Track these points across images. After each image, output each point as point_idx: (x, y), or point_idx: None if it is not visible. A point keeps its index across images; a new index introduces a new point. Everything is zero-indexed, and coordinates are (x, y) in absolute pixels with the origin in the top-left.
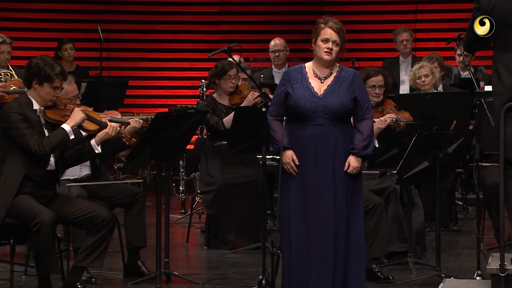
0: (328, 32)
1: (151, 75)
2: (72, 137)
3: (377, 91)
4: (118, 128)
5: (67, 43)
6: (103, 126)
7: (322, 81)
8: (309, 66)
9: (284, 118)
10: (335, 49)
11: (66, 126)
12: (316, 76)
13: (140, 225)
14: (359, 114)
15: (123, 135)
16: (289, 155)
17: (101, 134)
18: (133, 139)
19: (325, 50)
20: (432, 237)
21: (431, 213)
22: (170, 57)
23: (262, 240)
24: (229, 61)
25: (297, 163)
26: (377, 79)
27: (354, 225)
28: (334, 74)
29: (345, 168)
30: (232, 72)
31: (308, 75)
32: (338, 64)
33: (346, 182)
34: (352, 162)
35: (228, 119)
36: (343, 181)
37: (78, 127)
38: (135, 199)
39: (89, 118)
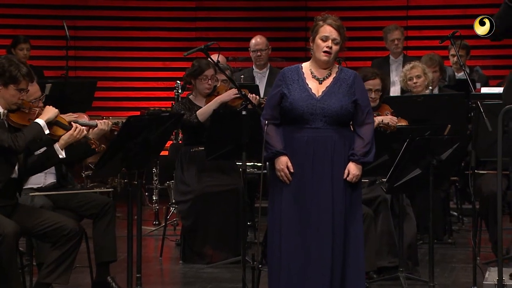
0: (327, 30)
1: (122, 76)
2: (47, 131)
3: (373, 95)
4: (85, 131)
5: (23, 42)
6: (68, 130)
7: (320, 82)
8: (306, 66)
9: (266, 122)
10: (335, 48)
11: (40, 121)
12: (314, 77)
13: (110, 238)
14: (359, 118)
15: (91, 140)
16: (284, 161)
17: (65, 136)
18: (102, 145)
19: (324, 49)
20: (425, 250)
21: (424, 224)
22: (142, 56)
23: (242, 253)
24: (207, 60)
25: (292, 170)
26: (374, 83)
27: (353, 236)
28: (333, 75)
29: (345, 176)
30: (209, 72)
31: (305, 76)
32: (337, 65)
33: (344, 190)
34: (352, 169)
35: (202, 111)
36: (341, 189)
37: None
38: (105, 210)
39: (56, 122)
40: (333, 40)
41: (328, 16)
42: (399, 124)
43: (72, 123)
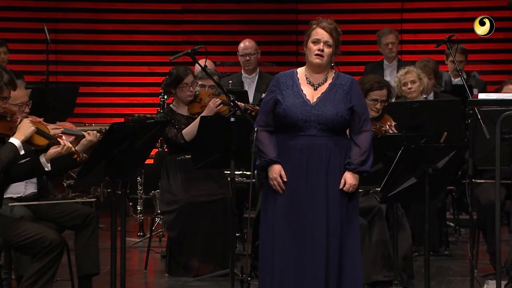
0: (319, 32)
1: (105, 81)
2: (22, 152)
3: (378, 106)
4: (73, 148)
5: (0, 45)
6: (52, 140)
7: (316, 88)
8: (301, 71)
9: (256, 128)
10: (327, 50)
11: (15, 141)
12: (309, 82)
13: (93, 250)
14: (356, 126)
15: (75, 152)
16: (277, 170)
17: (51, 151)
18: (84, 155)
19: (316, 52)
20: (421, 263)
21: (419, 235)
22: (126, 60)
23: (230, 266)
24: (185, 66)
25: (285, 179)
26: (381, 94)
27: (349, 248)
28: (329, 81)
29: (341, 186)
30: (189, 79)
31: (300, 81)
32: (334, 70)
33: (340, 200)
34: (349, 179)
35: (188, 131)
36: (337, 199)
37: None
38: (87, 221)
39: (38, 131)
40: (324, 42)
41: (322, 19)
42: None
43: (59, 137)
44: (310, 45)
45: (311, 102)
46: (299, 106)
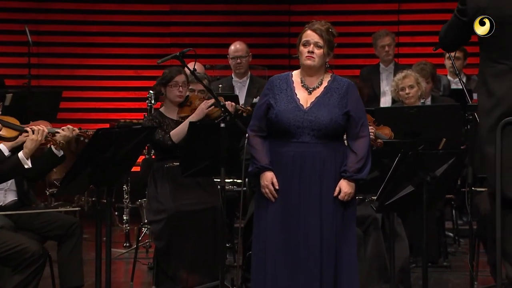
0: (309, 34)
1: (89, 85)
2: None
3: None
4: (46, 130)
5: None
6: (22, 131)
7: (310, 92)
8: (296, 74)
9: (248, 134)
10: (318, 52)
11: None
12: (304, 86)
13: (76, 261)
14: (353, 132)
15: (51, 140)
16: (268, 177)
17: (27, 143)
18: (62, 141)
19: (306, 54)
20: (418, 274)
21: (417, 246)
22: (112, 63)
23: (220, 277)
24: (179, 67)
25: (277, 186)
26: None
27: (345, 259)
28: (324, 85)
29: (335, 194)
30: (180, 78)
31: (294, 85)
32: (330, 73)
33: (334, 209)
34: (344, 187)
35: (176, 132)
36: (331, 208)
37: None
38: (71, 231)
39: (3, 123)
40: (314, 44)
41: (316, 22)
42: (380, 132)
43: (28, 128)
44: (301, 47)
45: (304, 107)
46: (291, 111)
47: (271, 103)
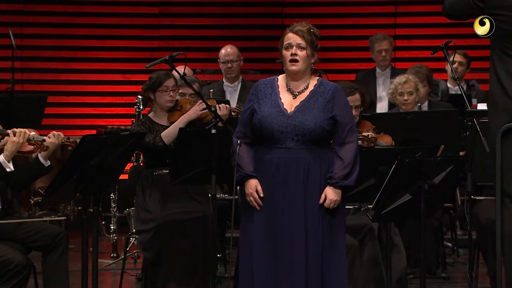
0: (289, 37)
1: (75, 90)
2: None
3: (353, 112)
4: (27, 132)
5: None
6: (4, 135)
7: (295, 96)
8: (282, 78)
9: (238, 142)
10: (301, 53)
11: None
12: (289, 90)
13: (62, 272)
14: (340, 137)
15: (34, 142)
16: (253, 185)
17: (8, 145)
18: (44, 143)
19: (290, 58)
20: (416, 286)
21: (414, 256)
22: (99, 68)
23: None
24: (167, 71)
25: (261, 194)
26: (354, 99)
27: (334, 269)
28: (310, 89)
29: (321, 201)
30: (169, 82)
31: (279, 89)
32: (317, 78)
33: (320, 217)
34: (329, 194)
35: (168, 133)
36: (316, 216)
37: None
38: (56, 241)
39: None
40: (297, 45)
41: (297, 24)
42: (381, 140)
43: (8, 131)
44: (284, 51)
45: (288, 112)
46: (275, 116)
47: (255, 108)
